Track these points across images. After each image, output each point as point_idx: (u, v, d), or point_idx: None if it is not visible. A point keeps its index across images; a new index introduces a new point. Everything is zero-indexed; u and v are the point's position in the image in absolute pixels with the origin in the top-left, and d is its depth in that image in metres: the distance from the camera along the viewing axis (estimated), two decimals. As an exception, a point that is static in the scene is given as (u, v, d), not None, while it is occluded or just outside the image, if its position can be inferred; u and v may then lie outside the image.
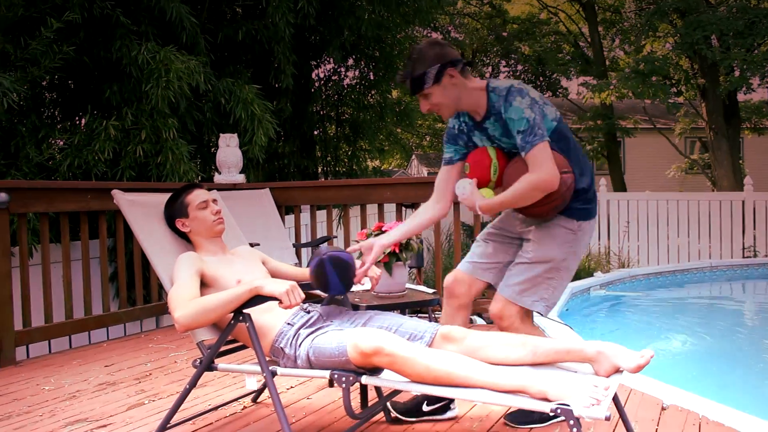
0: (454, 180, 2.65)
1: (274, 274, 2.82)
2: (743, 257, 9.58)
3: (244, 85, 6.46)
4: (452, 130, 2.67)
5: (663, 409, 2.92)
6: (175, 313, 2.30)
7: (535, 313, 2.77)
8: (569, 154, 2.50)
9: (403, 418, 2.77)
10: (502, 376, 2.05)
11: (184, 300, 2.32)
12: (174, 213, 2.71)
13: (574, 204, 2.52)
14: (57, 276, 4.64)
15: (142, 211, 2.80)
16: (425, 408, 2.78)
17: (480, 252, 2.74)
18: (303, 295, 2.28)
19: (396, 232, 2.71)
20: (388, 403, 2.79)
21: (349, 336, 2.19)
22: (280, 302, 2.24)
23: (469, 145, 2.64)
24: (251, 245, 3.10)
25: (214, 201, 2.75)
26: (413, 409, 2.78)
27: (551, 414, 2.57)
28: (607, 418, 1.85)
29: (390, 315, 2.52)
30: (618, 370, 2.15)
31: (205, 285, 2.51)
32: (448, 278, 2.75)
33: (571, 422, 1.87)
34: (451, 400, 2.80)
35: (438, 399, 2.77)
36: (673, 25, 14.83)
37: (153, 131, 5.72)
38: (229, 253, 2.75)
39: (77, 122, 6.48)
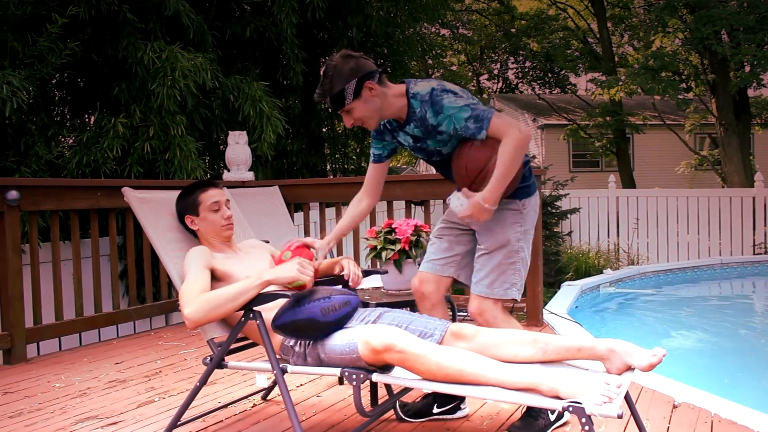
0: (382, 177, 2.75)
1: None
2: (754, 254, 9.52)
3: (253, 83, 6.46)
4: (378, 127, 2.66)
5: (675, 407, 2.90)
6: (185, 309, 2.30)
7: (548, 313, 2.76)
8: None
9: (414, 420, 2.76)
10: (513, 374, 2.04)
11: (194, 295, 2.32)
12: (185, 209, 2.70)
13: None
14: (67, 274, 4.65)
15: (152, 208, 2.80)
16: (435, 410, 2.77)
17: (435, 249, 2.77)
18: (312, 268, 2.28)
19: (331, 234, 2.75)
20: (398, 411, 2.78)
21: (360, 333, 2.18)
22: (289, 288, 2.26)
23: (396, 141, 2.66)
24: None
25: (227, 202, 2.72)
26: (423, 410, 2.77)
27: (558, 415, 2.59)
28: (620, 416, 1.83)
29: (400, 312, 2.51)
30: (630, 368, 2.14)
31: (216, 279, 2.51)
32: (414, 282, 2.76)
33: (583, 420, 1.86)
34: (462, 401, 2.80)
35: (448, 400, 2.77)
36: (683, 21, 14.73)
37: (161, 128, 5.74)
38: (238, 250, 2.74)
39: (86, 120, 6.51)
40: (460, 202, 2.43)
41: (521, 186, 2.55)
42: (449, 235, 2.76)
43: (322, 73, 2.46)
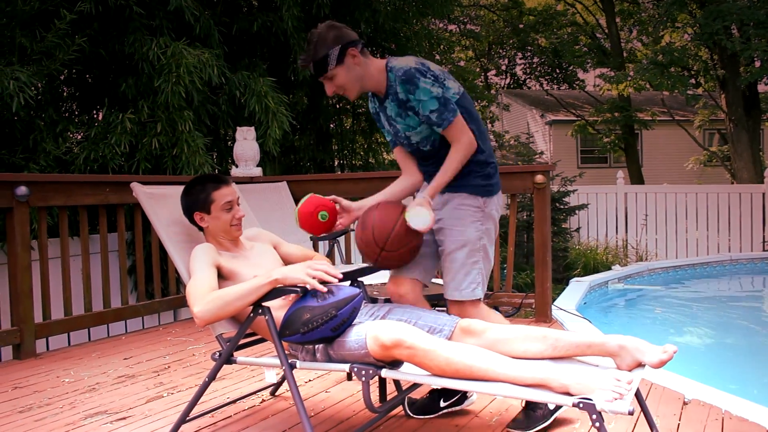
0: (411, 157, 2.71)
1: (286, 260, 2.80)
2: (763, 250, 9.48)
3: (259, 78, 6.45)
4: (374, 114, 2.72)
5: (685, 403, 2.89)
6: (194, 308, 2.28)
7: (556, 309, 2.75)
8: (473, 133, 2.52)
9: (422, 417, 2.75)
10: (523, 370, 2.03)
11: (203, 293, 2.30)
12: (194, 205, 2.61)
13: (474, 180, 2.54)
14: (76, 269, 4.66)
15: (160, 203, 2.80)
16: (442, 404, 2.76)
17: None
18: (322, 268, 2.25)
19: (373, 198, 2.74)
20: (405, 408, 2.78)
21: (369, 328, 2.17)
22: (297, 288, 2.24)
23: (387, 123, 2.67)
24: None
25: (239, 202, 2.67)
26: (429, 405, 2.77)
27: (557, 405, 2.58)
28: (630, 413, 1.82)
29: (409, 308, 2.51)
30: (640, 365, 2.13)
31: (222, 277, 2.49)
32: (389, 284, 2.73)
33: (594, 416, 1.85)
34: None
35: (454, 392, 2.76)
36: (692, 15, 14.64)
37: (169, 124, 5.74)
38: (243, 248, 2.71)
39: (95, 116, 6.52)
40: (422, 220, 2.40)
41: (483, 183, 2.55)
42: None
43: (306, 41, 2.49)
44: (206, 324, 2.31)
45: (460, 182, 2.53)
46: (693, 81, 15.75)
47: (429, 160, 2.62)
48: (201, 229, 2.65)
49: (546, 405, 2.58)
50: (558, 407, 2.61)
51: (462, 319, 2.41)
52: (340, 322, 2.19)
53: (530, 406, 2.60)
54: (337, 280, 2.24)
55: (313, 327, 2.17)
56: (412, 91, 2.41)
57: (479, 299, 2.59)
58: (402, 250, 2.45)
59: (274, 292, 2.28)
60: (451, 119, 2.42)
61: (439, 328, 2.37)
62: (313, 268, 2.25)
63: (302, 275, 2.23)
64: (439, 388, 2.73)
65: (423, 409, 2.76)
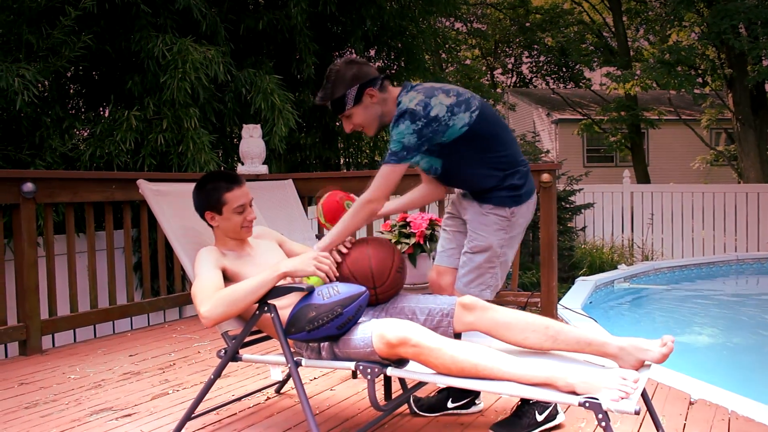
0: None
1: (290, 256, 2.79)
2: (770, 250, 9.43)
3: (265, 76, 6.45)
4: None
5: (691, 403, 2.88)
6: (201, 308, 2.27)
7: (562, 308, 2.75)
8: (489, 151, 2.50)
9: (428, 415, 2.75)
10: (529, 369, 2.02)
11: (209, 293, 2.30)
12: (207, 204, 2.57)
13: (501, 193, 2.54)
14: (82, 266, 4.67)
15: (166, 200, 2.80)
16: (450, 405, 2.76)
17: (443, 241, 2.81)
18: (328, 261, 2.28)
19: (394, 203, 2.79)
20: (413, 405, 2.77)
21: (375, 327, 2.17)
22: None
23: None
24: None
25: (251, 204, 2.63)
26: (437, 405, 2.77)
27: (548, 416, 2.57)
28: (637, 412, 1.81)
29: (408, 294, 2.52)
30: (644, 364, 2.12)
31: (227, 279, 2.47)
32: (431, 273, 2.79)
33: (600, 416, 1.84)
34: (476, 396, 2.79)
35: (463, 395, 2.76)
36: (700, 14, 14.58)
37: (174, 121, 5.74)
38: (248, 247, 2.69)
39: (101, 112, 6.53)
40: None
41: (509, 195, 2.54)
42: (452, 226, 2.79)
43: (325, 77, 2.47)
44: (215, 323, 2.30)
45: (485, 195, 2.55)
46: (700, 80, 15.68)
47: (447, 182, 2.68)
48: (211, 226, 2.63)
49: (534, 415, 2.56)
50: (549, 420, 2.59)
51: (462, 296, 2.41)
52: (345, 320, 2.18)
53: (518, 413, 2.58)
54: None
55: (318, 325, 2.17)
56: (392, 126, 2.42)
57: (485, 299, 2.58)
58: (392, 292, 2.47)
59: (281, 290, 2.27)
60: (390, 161, 2.40)
61: (439, 308, 2.38)
62: (319, 260, 2.26)
63: (311, 267, 2.25)
64: (448, 388, 2.74)
65: (431, 407, 2.76)
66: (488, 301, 2.57)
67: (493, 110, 2.58)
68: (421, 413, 2.75)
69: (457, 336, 2.38)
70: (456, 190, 2.78)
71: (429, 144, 2.43)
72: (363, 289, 2.24)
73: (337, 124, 9.46)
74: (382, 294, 2.44)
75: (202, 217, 2.61)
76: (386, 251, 2.44)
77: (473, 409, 2.78)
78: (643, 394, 2.12)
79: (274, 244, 2.77)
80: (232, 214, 2.54)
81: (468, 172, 2.53)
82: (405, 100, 2.42)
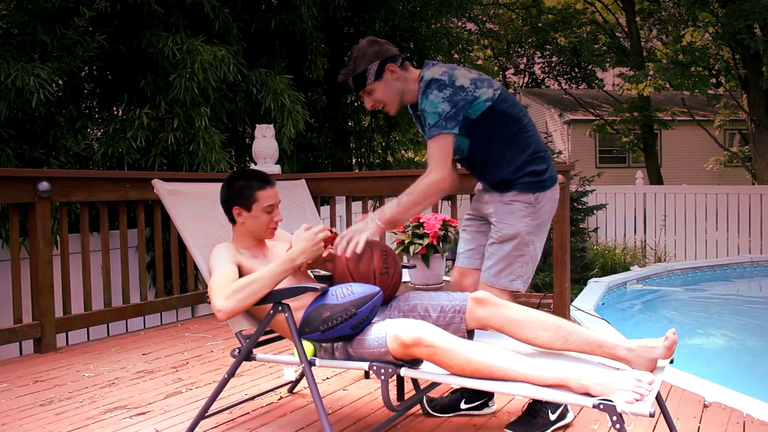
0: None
1: None
2: (785, 252, 9.36)
3: (276, 76, 6.46)
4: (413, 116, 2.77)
5: (705, 406, 2.86)
6: (216, 302, 2.29)
7: (574, 309, 2.74)
8: (512, 131, 2.54)
9: (441, 415, 2.75)
10: (543, 370, 2.01)
11: (224, 287, 2.31)
12: (236, 199, 2.55)
13: (524, 179, 2.54)
14: (96, 265, 4.70)
15: (181, 200, 2.81)
16: (463, 405, 2.76)
17: (463, 242, 2.81)
18: (323, 233, 2.35)
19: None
20: (426, 405, 2.78)
21: (389, 327, 2.17)
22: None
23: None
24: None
25: (278, 205, 2.64)
26: (450, 406, 2.76)
27: (559, 415, 2.57)
28: (651, 415, 1.81)
29: (422, 293, 2.52)
30: (656, 366, 2.12)
31: (241, 276, 2.50)
32: (454, 274, 2.79)
33: (614, 418, 1.84)
34: (490, 398, 2.78)
35: (476, 396, 2.75)
36: (714, 14, 14.49)
37: (186, 120, 5.76)
38: (264, 248, 2.68)
39: (115, 112, 6.57)
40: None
41: (532, 180, 2.55)
42: (472, 227, 2.78)
43: (347, 56, 2.53)
44: (229, 317, 2.32)
45: (508, 183, 2.56)
46: (714, 81, 15.58)
47: (470, 167, 2.68)
48: (233, 222, 2.61)
49: (547, 414, 2.55)
50: (560, 419, 2.59)
51: (475, 292, 2.41)
52: (359, 320, 2.19)
53: (530, 412, 2.57)
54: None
55: (332, 325, 2.18)
56: (422, 100, 2.45)
57: (515, 291, 2.59)
58: (387, 292, 2.45)
59: (295, 291, 2.28)
60: (434, 133, 2.44)
61: (451, 305, 2.38)
62: (315, 236, 2.36)
63: (311, 248, 2.35)
64: (461, 388, 2.73)
65: (444, 408, 2.76)
66: (518, 292, 2.58)
67: (513, 96, 2.62)
68: (434, 413, 2.75)
69: (470, 334, 2.39)
70: (477, 187, 2.78)
71: (462, 113, 2.45)
72: (377, 289, 2.25)
73: (350, 124, 9.47)
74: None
75: (228, 211, 2.59)
76: (365, 260, 2.41)
77: (486, 410, 2.78)
78: (658, 397, 2.11)
79: (288, 246, 2.77)
80: (261, 213, 2.55)
81: (493, 152, 2.53)
82: (428, 73, 2.47)
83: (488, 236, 2.64)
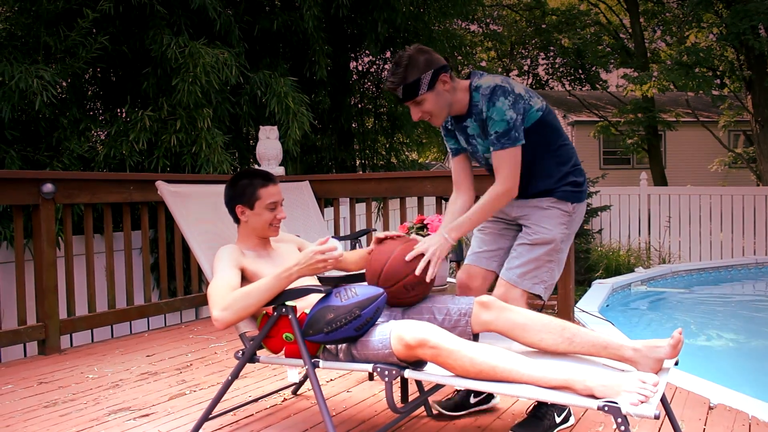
0: (468, 169, 2.73)
1: None
2: (790, 253, 9.33)
3: (280, 78, 6.46)
4: (445, 125, 2.70)
5: (710, 408, 2.85)
6: (214, 311, 2.29)
7: (579, 311, 2.74)
8: (556, 143, 2.54)
9: (453, 413, 2.75)
10: (547, 371, 2.00)
11: (223, 295, 2.31)
12: (240, 198, 2.58)
13: (565, 188, 2.54)
14: (100, 266, 4.71)
15: (184, 201, 2.81)
16: (472, 400, 2.77)
17: (479, 242, 2.77)
18: (328, 249, 2.29)
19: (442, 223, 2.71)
20: (436, 405, 2.77)
21: (393, 328, 2.17)
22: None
23: (460, 140, 2.67)
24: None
25: (282, 203, 2.66)
26: (461, 403, 2.76)
27: (564, 417, 2.57)
28: (657, 417, 1.80)
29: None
30: (662, 367, 2.11)
31: (245, 279, 2.49)
32: (461, 274, 2.76)
33: (619, 420, 1.83)
34: None
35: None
36: (719, 15, 14.46)
37: (189, 121, 5.75)
38: (269, 249, 2.70)
39: (118, 114, 6.57)
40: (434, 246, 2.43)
41: (572, 190, 2.56)
42: (493, 228, 2.75)
43: (393, 63, 2.46)
44: (224, 327, 2.32)
45: (548, 190, 2.56)
46: (718, 82, 15.54)
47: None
48: (237, 221, 2.64)
49: (553, 417, 2.55)
50: (564, 421, 2.59)
51: (480, 295, 2.40)
52: (363, 321, 2.19)
53: (537, 414, 2.56)
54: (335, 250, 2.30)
55: (336, 327, 2.18)
56: (489, 108, 2.42)
57: (534, 295, 2.58)
58: (395, 287, 2.38)
59: (298, 292, 2.28)
60: (506, 145, 2.42)
61: (457, 308, 2.38)
62: (312, 255, 2.28)
63: (313, 265, 2.28)
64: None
65: (455, 407, 2.76)
66: (540, 297, 2.58)
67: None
68: (447, 413, 2.75)
69: (475, 338, 2.38)
70: None
71: (523, 123, 2.44)
72: (380, 290, 2.25)
73: (354, 125, 9.46)
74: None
75: (232, 210, 2.62)
76: (404, 265, 2.38)
77: (494, 401, 2.82)
78: (663, 399, 2.10)
79: (293, 248, 2.78)
80: (264, 210, 2.57)
81: (536, 163, 2.51)
82: (486, 81, 2.45)
83: (515, 238, 2.64)
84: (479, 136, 2.54)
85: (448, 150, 2.77)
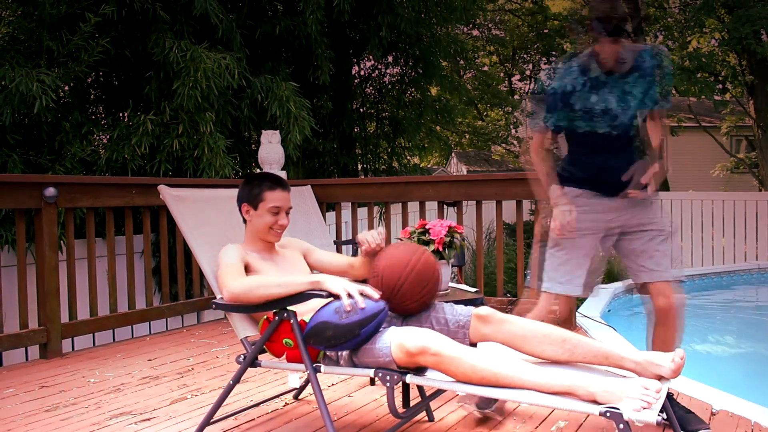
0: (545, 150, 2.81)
1: (317, 266, 2.80)
2: (792, 259, 9.31)
3: (281, 83, 6.46)
4: (557, 92, 2.67)
5: (713, 414, 2.84)
6: (229, 283, 2.33)
7: (580, 316, 2.73)
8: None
9: (485, 411, 2.75)
10: (549, 377, 2.00)
11: (235, 275, 2.37)
12: (247, 197, 2.64)
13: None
14: (102, 270, 4.71)
15: (187, 206, 2.82)
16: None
17: (567, 267, 2.75)
18: (360, 302, 2.17)
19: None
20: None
21: (394, 336, 2.16)
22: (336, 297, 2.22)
23: (576, 108, 2.63)
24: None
25: (289, 210, 2.66)
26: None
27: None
28: (659, 423, 1.79)
29: None
30: (660, 378, 2.10)
31: (248, 274, 2.52)
32: (561, 308, 2.79)
33: (621, 426, 1.83)
34: None
35: None
36: (721, 20, 14.47)
37: (191, 125, 5.76)
38: (274, 253, 2.70)
39: (121, 118, 6.58)
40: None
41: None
42: (585, 247, 2.74)
43: (610, 7, 2.48)
44: (235, 299, 2.34)
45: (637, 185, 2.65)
46: (720, 87, 15.55)
47: (601, 153, 2.67)
48: (245, 222, 2.68)
49: None
50: None
51: (478, 308, 2.40)
52: (363, 339, 2.18)
53: None
54: (364, 305, 2.17)
55: (335, 344, 2.19)
56: (665, 72, 2.57)
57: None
58: (412, 305, 2.36)
59: (300, 297, 2.27)
60: (665, 106, 2.62)
61: (455, 320, 2.38)
62: (354, 295, 2.19)
63: (339, 289, 2.20)
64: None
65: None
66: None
67: None
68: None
69: (473, 345, 2.37)
70: (580, 198, 2.73)
71: None
72: (382, 306, 2.20)
73: (355, 130, 9.45)
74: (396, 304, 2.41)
75: (240, 208, 2.68)
76: (398, 264, 2.34)
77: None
78: (665, 404, 2.10)
79: (298, 255, 2.78)
80: (266, 213, 2.60)
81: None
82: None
83: (645, 235, 2.74)
84: (642, 94, 2.59)
85: (549, 126, 2.75)
